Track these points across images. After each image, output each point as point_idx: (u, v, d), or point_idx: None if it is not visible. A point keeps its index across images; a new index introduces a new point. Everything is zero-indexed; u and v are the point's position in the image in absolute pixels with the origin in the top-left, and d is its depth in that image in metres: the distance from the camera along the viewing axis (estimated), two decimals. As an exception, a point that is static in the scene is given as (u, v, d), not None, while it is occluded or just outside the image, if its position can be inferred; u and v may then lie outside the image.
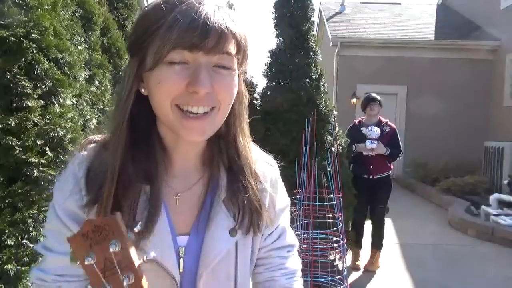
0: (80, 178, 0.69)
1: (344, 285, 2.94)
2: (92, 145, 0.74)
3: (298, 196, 3.05)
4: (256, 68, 11.20)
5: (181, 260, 0.74)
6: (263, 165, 0.84)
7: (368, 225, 4.51)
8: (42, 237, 1.58)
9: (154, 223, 0.68)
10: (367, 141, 4.19)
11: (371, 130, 4.21)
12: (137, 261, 0.56)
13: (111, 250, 0.53)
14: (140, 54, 0.66)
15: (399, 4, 13.90)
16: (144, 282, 0.56)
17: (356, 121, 4.59)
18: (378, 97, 4.48)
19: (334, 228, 2.98)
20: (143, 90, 0.69)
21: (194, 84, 0.63)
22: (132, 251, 0.56)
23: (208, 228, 0.75)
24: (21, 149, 1.58)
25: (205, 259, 0.74)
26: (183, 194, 0.76)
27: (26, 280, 1.51)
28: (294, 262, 0.91)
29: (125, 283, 0.54)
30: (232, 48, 0.65)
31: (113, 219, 0.55)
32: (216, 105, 0.67)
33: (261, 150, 0.87)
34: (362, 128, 4.29)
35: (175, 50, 0.62)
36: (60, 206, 0.70)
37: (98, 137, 0.76)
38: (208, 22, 0.61)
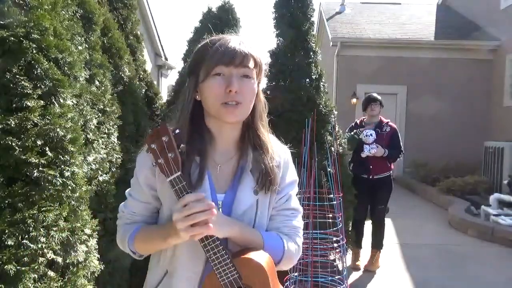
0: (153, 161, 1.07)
1: (344, 285, 2.94)
2: None
3: (298, 196, 3.05)
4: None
5: (220, 210, 1.10)
6: (278, 149, 1.21)
7: (368, 225, 4.51)
8: (42, 237, 1.58)
9: (202, 179, 1.08)
10: (365, 147, 4.19)
11: (366, 135, 4.20)
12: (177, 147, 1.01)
13: (163, 139, 0.99)
14: (195, 74, 1.09)
15: (399, 4, 13.91)
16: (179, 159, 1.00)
17: (358, 121, 4.59)
18: (379, 97, 4.47)
19: (334, 228, 2.98)
20: (197, 97, 1.11)
21: (229, 86, 1.04)
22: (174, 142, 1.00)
23: (239, 188, 1.12)
24: (21, 149, 1.57)
25: (235, 208, 1.11)
26: (222, 165, 1.14)
27: (26, 281, 1.51)
28: (297, 222, 1.23)
29: (169, 155, 0.99)
30: (251, 64, 1.07)
31: (164, 127, 1.00)
32: (241, 101, 1.07)
33: (277, 140, 1.25)
34: (358, 132, 4.28)
35: (217, 66, 1.05)
36: (139, 173, 1.14)
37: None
38: (236, 49, 1.05)
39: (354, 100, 10.59)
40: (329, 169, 3.15)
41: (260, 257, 1.05)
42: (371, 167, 4.27)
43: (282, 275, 3.07)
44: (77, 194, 1.79)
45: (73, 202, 1.76)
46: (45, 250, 1.58)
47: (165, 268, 1.13)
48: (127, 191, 1.21)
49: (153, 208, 1.18)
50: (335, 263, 3.37)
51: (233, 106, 1.06)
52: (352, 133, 4.35)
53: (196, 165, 1.09)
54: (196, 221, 0.96)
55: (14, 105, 1.61)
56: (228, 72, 1.05)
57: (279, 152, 1.20)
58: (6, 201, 1.54)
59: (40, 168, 1.62)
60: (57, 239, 1.63)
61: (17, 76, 1.61)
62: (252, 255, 1.04)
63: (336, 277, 2.91)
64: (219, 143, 1.15)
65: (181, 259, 1.11)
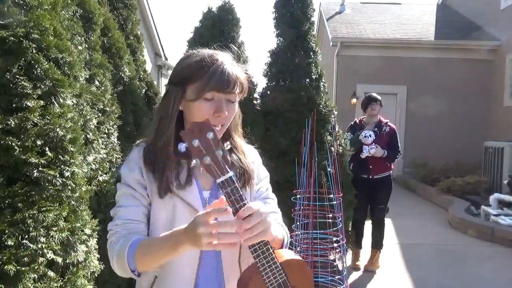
0: (139, 159, 1.15)
1: (344, 285, 2.94)
2: (142, 143, 1.19)
3: (298, 196, 3.05)
4: (256, 68, 11.19)
5: (207, 205, 1.14)
6: (250, 152, 1.30)
7: (368, 225, 4.51)
8: (42, 237, 1.58)
9: (191, 180, 1.14)
10: (364, 148, 4.19)
11: (365, 136, 4.20)
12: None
13: (208, 136, 0.93)
14: (182, 87, 1.11)
15: (399, 4, 13.90)
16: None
17: (357, 120, 4.59)
18: (379, 97, 4.48)
19: (334, 228, 2.98)
20: (180, 107, 1.14)
21: (219, 112, 1.09)
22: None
23: None
24: (21, 149, 1.57)
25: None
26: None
27: (26, 281, 1.51)
28: (271, 207, 1.29)
29: (217, 154, 0.93)
30: (238, 90, 1.12)
31: (208, 122, 0.95)
32: (225, 123, 1.14)
33: (247, 144, 1.32)
34: (358, 133, 4.28)
35: (210, 91, 1.08)
36: (128, 177, 1.15)
37: (144, 139, 1.20)
38: (229, 78, 1.08)
39: (354, 100, 10.59)
40: (329, 169, 3.15)
41: (295, 255, 1.09)
42: (370, 167, 4.27)
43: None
44: (77, 194, 1.79)
45: (73, 202, 1.76)
46: (45, 250, 1.58)
47: (154, 273, 1.13)
48: (112, 210, 1.17)
49: (147, 213, 1.15)
50: (335, 263, 3.37)
51: (217, 127, 1.11)
52: (350, 134, 4.35)
53: (182, 167, 1.14)
54: (222, 242, 0.90)
55: (14, 105, 1.61)
56: (218, 97, 1.09)
57: (249, 154, 1.28)
58: (6, 201, 1.54)
59: (40, 168, 1.62)
60: (57, 239, 1.63)
61: (17, 76, 1.61)
62: (292, 254, 1.09)
63: (336, 277, 2.91)
64: None
65: (171, 265, 1.11)
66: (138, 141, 1.23)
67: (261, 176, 1.30)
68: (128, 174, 1.15)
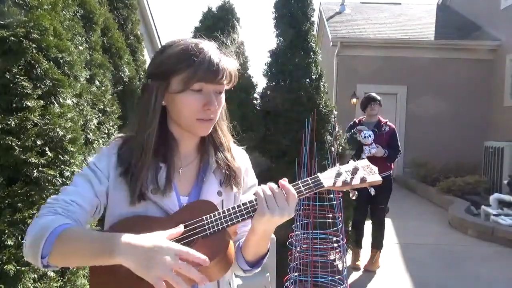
0: (113, 154, 1.06)
1: (344, 285, 2.94)
2: (119, 139, 1.10)
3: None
4: (256, 68, 11.20)
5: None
6: (238, 155, 1.20)
7: (368, 225, 4.51)
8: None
9: (171, 185, 1.05)
10: (365, 149, 4.19)
11: (364, 137, 4.20)
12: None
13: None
14: (165, 80, 1.02)
15: (399, 4, 13.90)
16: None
17: (357, 120, 4.59)
18: (378, 97, 4.48)
19: (334, 228, 2.98)
20: (163, 103, 1.05)
21: (208, 105, 1.02)
22: None
23: (203, 190, 1.10)
24: (21, 149, 1.57)
25: None
26: (184, 168, 1.11)
27: (26, 281, 1.51)
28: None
29: None
30: (226, 81, 1.05)
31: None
32: (214, 116, 1.07)
33: (235, 145, 1.23)
34: (357, 135, 4.28)
35: (197, 82, 1.00)
36: (94, 162, 1.05)
37: (123, 134, 1.12)
38: (218, 67, 1.00)
39: (354, 100, 10.59)
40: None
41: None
42: (371, 167, 4.27)
43: (282, 275, 3.07)
44: (77, 194, 1.78)
45: (73, 202, 1.76)
46: (45, 250, 1.57)
47: None
48: (66, 186, 1.04)
49: (95, 206, 1.02)
50: (335, 263, 3.37)
51: (207, 121, 1.05)
52: (349, 134, 4.35)
53: (161, 170, 1.06)
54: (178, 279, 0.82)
55: (14, 105, 1.61)
56: (206, 89, 1.02)
57: (238, 158, 1.19)
58: (6, 201, 1.54)
59: (40, 168, 1.62)
60: (57, 239, 1.62)
61: (17, 76, 1.61)
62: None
63: (336, 277, 2.90)
64: (181, 147, 1.12)
65: None
66: (115, 137, 1.13)
67: (248, 183, 1.21)
68: (97, 161, 1.06)
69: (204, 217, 0.98)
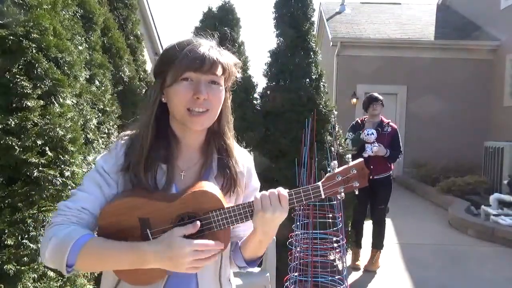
0: (120, 156, 1.06)
1: (344, 285, 2.94)
2: (126, 137, 1.09)
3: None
4: (256, 68, 11.18)
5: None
6: (241, 157, 1.20)
7: (368, 225, 4.50)
8: (42, 237, 1.58)
9: (170, 188, 1.05)
10: (367, 147, 4.19)
11: (367, 134, 4.20)
12: None
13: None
14: (162, 76, 1.06)
15: (399, 4, 13.90)
16: None
17: (359, 120, 4.59)
18: (380, 97, 4.48)
19: (334, 228, 2.98)
20: (163, 99, 1.07)
21: (197, 93, 1.02)
22: None
23: None
24: (21, 149, 1.57)
25: None
26: (186, 172, 1.10)
27: (25, 280, 1.51)
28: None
29: None
30: (219, 71, 1.04)
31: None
32: (209, 108, 1.05)
33: (239, 146, 1.23)
34: (360, 132, 4.28)
35: (185, 72, 1.02)
36: (102, 166, 1.05)
37: (129, 132, 1.11)
38: (205, 56, 1.02)
39: (354, 100, 10.59)
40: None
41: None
42: (371, 167, 4.27)
43: (282, 275, 3.07)
44: (77, 194, 1.78)
45: (73, 202, 1.76)
46: (45, 250, 1.57)
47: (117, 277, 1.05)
48: (74, 190, 1.06)
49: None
50: (335, 263, 3.37)
51: (200, 113, 1.04)
52: (356, 134, 4.35)
53: (162, 171, 1.06)
54: (200, 264, 0.96)
55: (14, 105, 1.61)
56: (196, 78, 1.03)
57: (242, 161, 1.19)
58: (6, 201, 1.54)
59: (40, 168, 1.62)
60: (57, 239, 1.62)
61: (17, 76, 1.61)
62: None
63: (336, 277, 2.90)
64: (184, 148, 1.12)
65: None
66: (122, 134, 1.13)
67: (251, 185, 1.22)
68: (104, 164, 1.05)
69: (210, 214, 1.01)
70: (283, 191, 1.05)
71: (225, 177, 1.11)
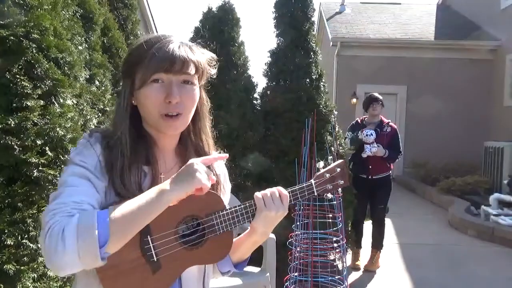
0: (99, 154, 0.95)
1: (344, 285, 2.94)
2: (98, 134, 0.99)
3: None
4: (256, 68, 11.18)
5: None
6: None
7: (368, 225, 4.50)
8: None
9: None
10: (366, 147, 4.20)
11: (366, 135, 4.21)
12: None
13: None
14: (130, 77, 0.98)
15: (399, 4, 13.90)
16: None
17: (359, 120, 4.59)
18: (380, 97, 4.48)
19: (334, 228, 2.98)
20: (133, 102, 1.00)
21: (169, 96, 0.94)
22: None
23: None
24: (21, 149, 1.58)
25: None
26: (165, 174, 1.03)
27: (25, 280, 1.51)
28: None
29: None
30: (192, 70, 0.97)
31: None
32: (182, 111, 0.98)
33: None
34: (359, 133, 4.28)
35: (155, 73, 0.94)
36: (82, 160, 0.93)
37: (98, 129, 1.05)
38: (175, 54, 0.94)
39: (354, 100, 10.59)
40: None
41: None
42: (370, 167, 4.27)
43: (282, 275, 3.07)
44: (77, 194, 1.78)
45: (73, 202, 1.76)
46: (45, 250, 1.57)
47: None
48: (52, 193, 0.92)
49: (100, 203, 0.93)
50: (335, 263, 3.37)
51: (174, 117, 0.97)
52: (354, 134, 4.35)
53: (144, 174, 0.99)
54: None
55: (14, 105, 1.61)
56: (167, 79, 0.95)
57: (217, 164, 1.13)
58: (6, 201, 1.54)
59: (40, 168, 1.62)
60: (57, 239, 1.62)
61: (17, 76, 1.62)
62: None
63: (336, 277, 2.90)
64: (160, 150, 1.06)
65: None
66: (92, 130, 1.04)
67: (227, 188, 1.19)
68: (83, 158, 0.94)
69: (213, 216, 1.00)
70: (283, 190, 1.05)
71: None
